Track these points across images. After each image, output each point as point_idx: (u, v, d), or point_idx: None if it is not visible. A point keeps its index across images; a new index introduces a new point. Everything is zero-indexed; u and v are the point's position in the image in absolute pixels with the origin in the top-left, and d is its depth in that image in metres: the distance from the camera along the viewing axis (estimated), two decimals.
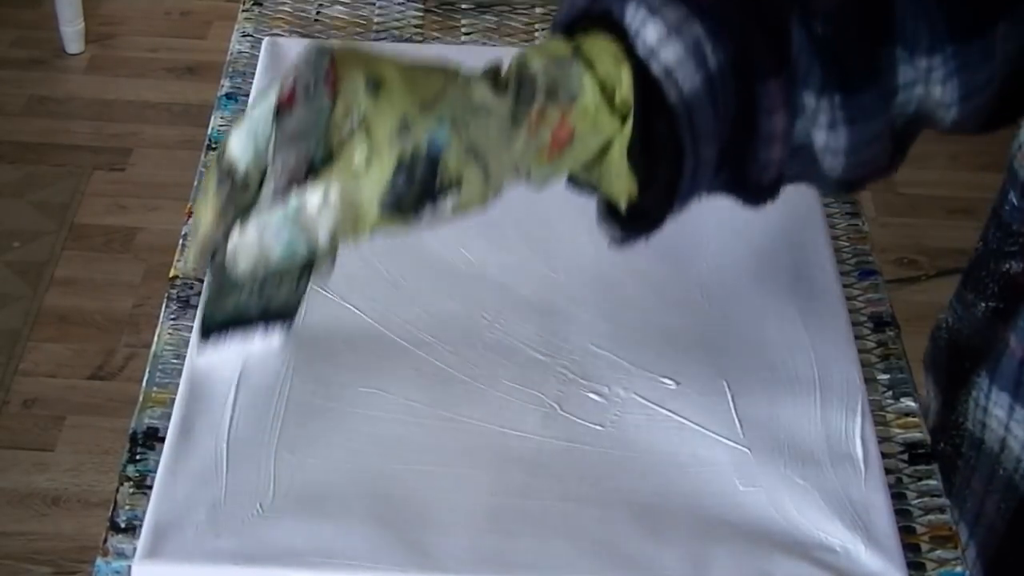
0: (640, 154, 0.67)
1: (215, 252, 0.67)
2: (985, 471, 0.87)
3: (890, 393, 0.83)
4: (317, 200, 0.63)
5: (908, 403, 0.82)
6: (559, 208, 0.92)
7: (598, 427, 0.78)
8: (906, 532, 0.74)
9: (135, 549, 0.70)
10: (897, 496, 0.76)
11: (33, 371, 1.96)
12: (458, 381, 0.80)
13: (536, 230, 0.91)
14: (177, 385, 0.79)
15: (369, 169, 0.63)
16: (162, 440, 0.76)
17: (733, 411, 0.79)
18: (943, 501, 0.77)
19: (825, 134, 0.70)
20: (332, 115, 0.64)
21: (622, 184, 0.68)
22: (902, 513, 0.75)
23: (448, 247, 0.89)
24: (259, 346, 0.79)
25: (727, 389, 0.80)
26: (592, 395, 0.80)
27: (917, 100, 0.72)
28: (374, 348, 0.82)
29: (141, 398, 0.80)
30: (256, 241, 0.64)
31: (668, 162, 0.67)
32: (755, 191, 0.73)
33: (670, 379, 0.81)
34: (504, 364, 0.81)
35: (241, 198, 0.66)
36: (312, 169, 0.64)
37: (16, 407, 1.91)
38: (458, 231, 0.90)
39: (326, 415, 0.78)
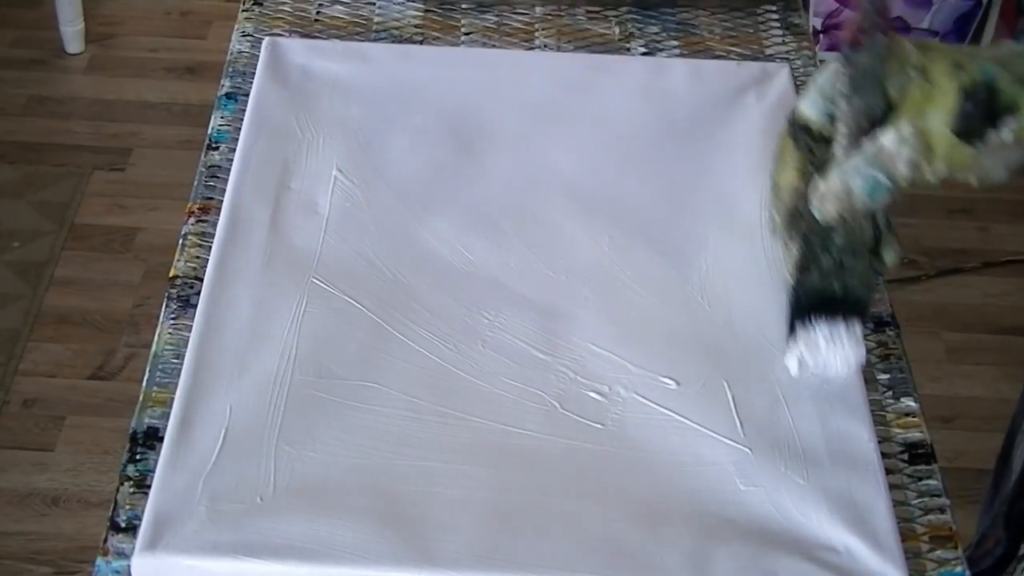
0: None
1: (800, 214, 0.77)
2: None
3: (890, 393, 0.83)
4: (892, 137, 0.72)
5: (908, 403, 0.82)
6: (559, 208, 0.93)
7: (598, 426, 0.78)
8: (906, 532, 0.74)
9: (135, 549, 0.70)
10: (897, 496, 0.76)
11: (33, 371, 1.95)
12: (459, 378, 0.80)
13: (536, 230, 0.91)
14: (177, 385, 0.79)
15: (934, 103, 0.72)
16: (162, 440, 0.76)
17: (733, 411, 0.79)
18: (943, 501, 0.77)
19: None
20: (886, 68, 0.73)
21: None
22: (902, 513, 0.75)
23: (448, 247, 0.89)
24: (843, 347, 0.78)
25: (727, 389, 0.80)
26: (592, 394, 0.80)
27: None
28: (375, 344, 0.82)
29: (141, 398, 0.80)
30: (841, 184, 0.73)
31: None
32: None
33: (670, 379, 0.81)
34: (505, 362, 0.81)
35: (819, 153, 0.77)
36: (876, 122, 0.73)
37: (16, 407, 1.90)
38: (458, 231, 0.90)
39: (326, 409, 0.78)
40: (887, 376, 0.84)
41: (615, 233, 0.90)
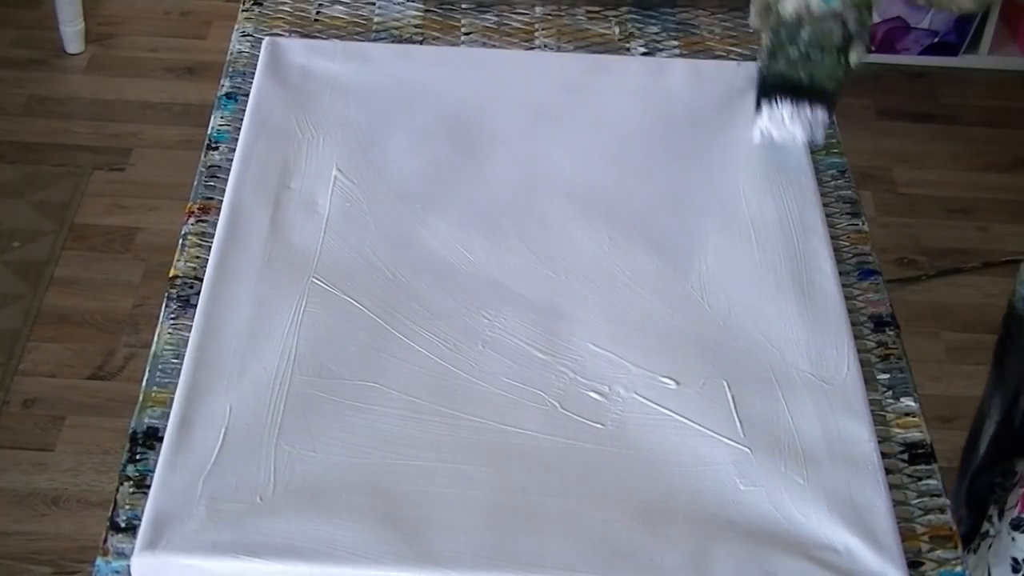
0: None
1: (770, 8, 0.85)
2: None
3: (890, 393, 0.83)
4: None
5: (908, 403, 0.82)
6: (559, 208, 0.93)
7: (598, 425, 0.78)
8: (906, 532, 0.74)
9: (135, 549, 0.70)
10: (897, 496, 0.76)
11: (33, 371, 1.95)
12: (459, 378, 0.80)
13: (536, 230, 0.91)
14: (177, 385, 0.79)
15: None
16: (162, 440, 0.76)
17: (733, 411, 0.79)
18: (943, 501, 0.77)
19: None
20: None
21: None
22: (902, 513, 0.75)
23: (448, 247, 0.89)
24: (805, 125, 0.92)
25: (727, 389, 0.80)
26: (592, 394, 0.80)
27: None
28: (375, 344, 0.82)
29: (141, 398, 0.80)
30: None
31: None
32: None
33: (670, 378, 0.81)
34: (505, 362, 0.81)
35: None
36: None
37: (16, 407, 1.90)
38: (458, 231, 0.90)
39: (326, 409, 0.78)
40: (887, 376, 0.84)
41: (615, 233, 0.90)
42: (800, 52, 0.88)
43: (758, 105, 0.92)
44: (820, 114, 0.91)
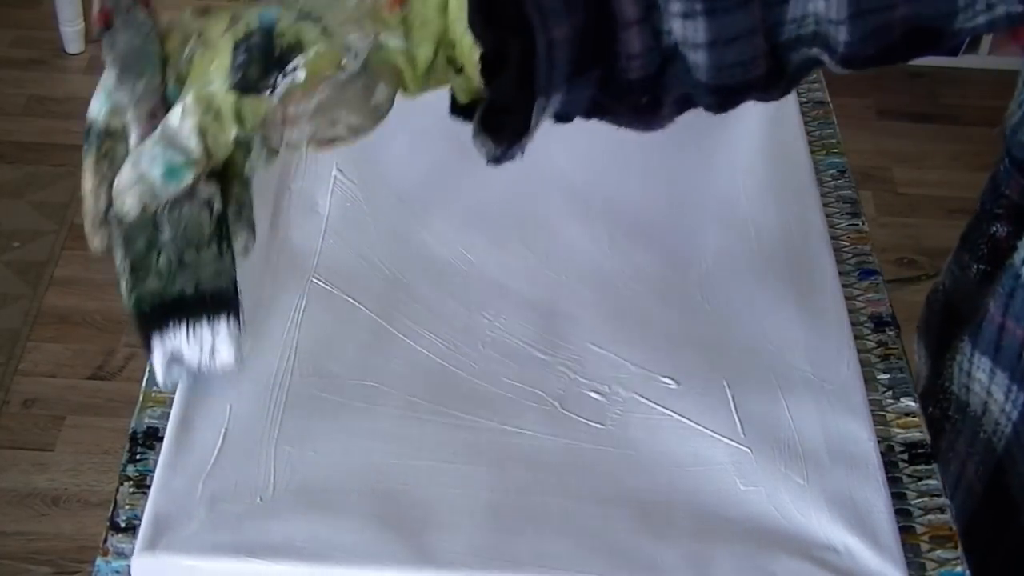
0: (481, 20, 0.62)
1: (106, 215, 0.65)
2: (968, 434, 0.88)
3: (890, 393, 0.83)
4: (176, 111, 0.63)
5: (908, 403, 0.82)
6: (559, 208, 0.93)
7: (598, 426, 0.78)
8: (906, 532, 0.74)
9: (135, 550, 0.70)
10: (897, 496, 0.76)
11: (33, 371, 1.95)
12: (459, 378, 0.80)
13: (536, 230, 0.91)
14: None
15: (212, 64, 0.63)
16: (162, 439, 0.76)
17: (733, 411, 0.79)
18: (943, 501, 0.77)
19: (681, 24, 0.64)
20: (165, 46, 0.64)
21: (472, 65, 0.64)
22: (902, 513, 0.75)
23: (448, 247, 0.89)
24: (212, 349, 0.67)
25: (727, 389, 0.80)
26: (592, 394, 0.80)
27: (804, 14, 0.66)
28: (375, 344, 0.82)
29: (141, 398, 0.80)
30: (135, 173, 0.63)
31: (515, 33, 0.63)
32: (627, 93, 0.68)
33: (670, 379, 0.81)
34: (504, 362, 0.81)
35: (113, 149, 0.65)
36: (168, 104, 0.64)
37: (16, 407, 1.91)
38: (458, 231, 0.90)
39: (326, 409, 0.78)
40: (887, 376, 0.84)
41: (615, 233, 0.90)
42: (169, 259, 0.67)
43: (147, 347, 0.69)
44: (224, 327, 0.67)
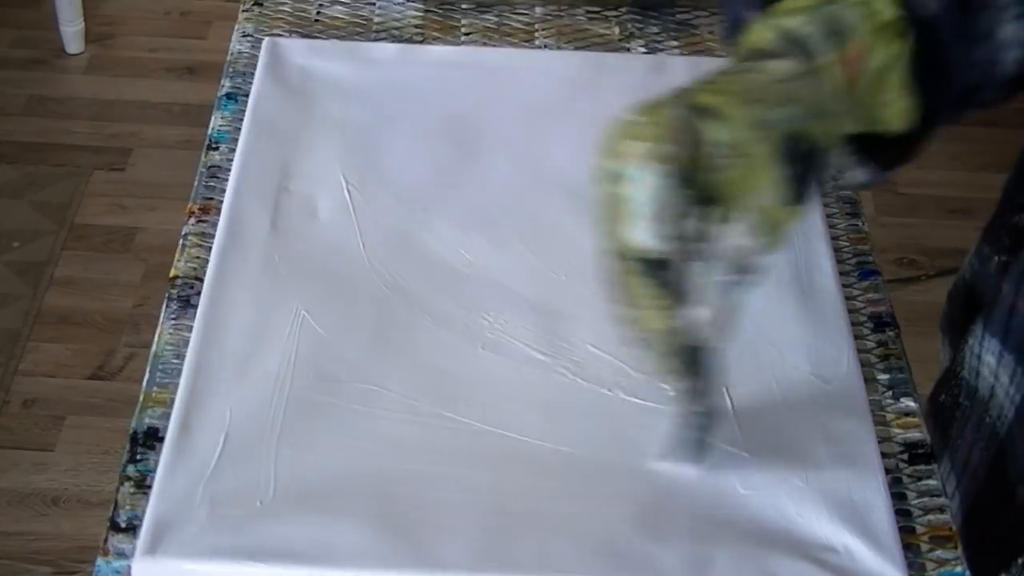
0: (923, 67, 0.67)
1: (676, 351, 0.67)
2: (975, 420, 0.88)
3: (890, 393, 0.83)
4: (740, 232, 0.65)
5: (908, 403, 0.82)
6: (559, 208, 0.92)
7: (598, 426, 0.78)
8: (906, 532, 0.74)
9: (135, 549, 0.70)
10: (897, 496, 0.76)
11: (33, 371, 1.95)
12: (459, 381, 0.80)
13: (536, 230, 0.91)
14: (177, 385, 0.79)
15: (757, 179, 0.65)
16: (162, 440, 0.76)
17: (733, 411, 0.79)
18: (943, 501, 0.77)
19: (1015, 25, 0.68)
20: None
21: (900, 105, 0.69)
22: (902, 513, 0.75)
23: (448, 247, 0.89)
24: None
25: (727, 390, 0.80)
26: (592, 395, 0.80)
27: None
28: (375, 346, 0.82)
29: (141, 398, 0.80)
30: (720, 304, 0.66)
31: (944, 74, 0.68)
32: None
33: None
34: (505, 364, 0.81)
35: (660, 279, 0.66)
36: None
37: (16, 407, 1.91)
38: (458, 231, 0.90)
39: (327, 412, 0.78)
40: (887, 376, 0.84)
41: None
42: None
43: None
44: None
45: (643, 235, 0.65)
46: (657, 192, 0.64)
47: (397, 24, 1.11)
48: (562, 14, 1.13)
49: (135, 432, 0.78)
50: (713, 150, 0.64)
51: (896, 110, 0.69)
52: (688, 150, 0.64)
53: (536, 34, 1.11)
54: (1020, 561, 0.84)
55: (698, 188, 0.64)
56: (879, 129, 0.71)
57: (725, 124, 0.65)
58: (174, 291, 0.86)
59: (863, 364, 0.83)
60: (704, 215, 0.65)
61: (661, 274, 0.66)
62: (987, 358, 0.85)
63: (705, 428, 0.74)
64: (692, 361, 0.69)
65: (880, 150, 0.72)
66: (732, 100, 0.66)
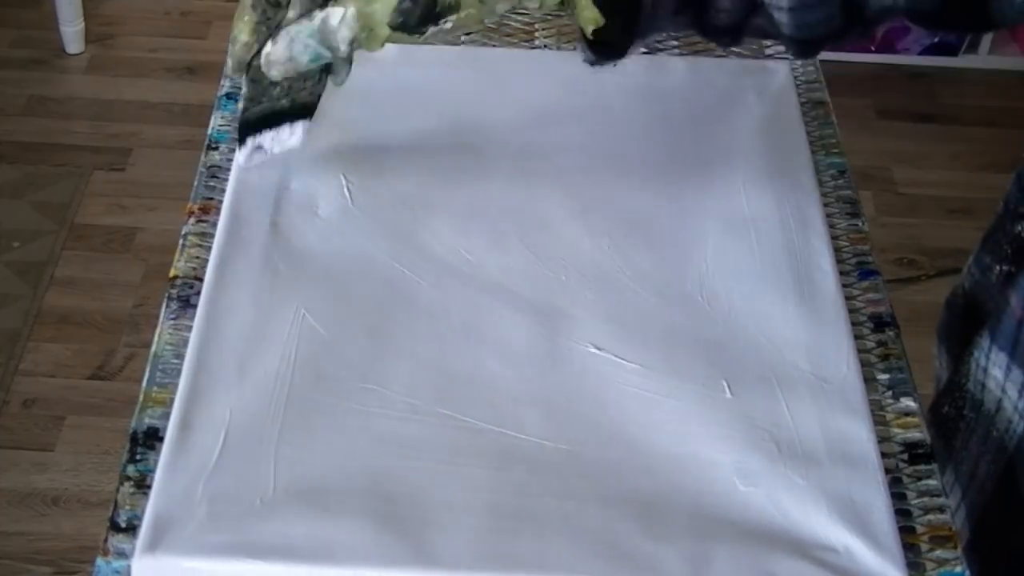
0: None
1: (251, 63, 0.83)
2: (981, 432, 0.88)
3: (890, 393, 0.83)
4: (337, 17, 0.79)
5: (908, 403, 0.82)
6: (559, 208, 0.93)
7: (598, 426, 0.78)
8: (906, 532, 0.74)
9: (135, 549, 0.70)
10: (897, 496, 0.76)
11: (33, 371, 1.95)
12: (459, 379, 0.80)
13: (536, 230, 0.91)
14: (177, 385, 0.79)
15: None
16: (162, 440, 0.76)
17: (733, 411, 0.79)
18: (943, 501, 0.77)
19: None
20: None
21: (589, 14, 0.81)
22: (902, 513, 0.75)
23: (448, 247, 0.89)
24: (287, 139, 0.91)
25: (727, 389, 0.80)
26: (593, 394, 0.80)
27: None
28: (375, 345, 0.82)
29: (141, 398, 0.80)
30: (286, 52, 0.80)
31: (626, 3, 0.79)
32: (714, 34, 0.83)
33: (670, 379, 0.81)
34: (505, 363, 0.81)
35: (272, 17, 0.81)
36: None
37: (16, 407, 1.91)
38: (458, 231, 0.90)
39: (327, 410, 0.78)
40: (887, 376, 0.84)
41: (615, 233, 0.90)
42: (282, 88, 0.87)
43: (241, 141, 0.90)
44: (300, 125, 0.91)
45: None
46: None
47: None
48: (562, 14, 1.13)
49: (135, 432, 0.78)
50: None
51: (585, 18, 0.81)
52: None
53: (536, 34, 1.11)
54: None
55: None
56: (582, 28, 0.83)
57: None
58: (174, 291, 0.86)
59: (863, 364, 0.83)
60: None
61: (266, 5, 0.81)
62: (994, 371, 0.85)
63: (251, 118, 0.89)
64: (248, 78, 0.85)
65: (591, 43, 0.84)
66: None
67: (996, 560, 0.85)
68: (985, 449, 0.87)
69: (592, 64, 0.86)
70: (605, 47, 0.84)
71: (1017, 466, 0.84)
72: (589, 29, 0.82)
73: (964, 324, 0.93)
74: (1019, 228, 0.86)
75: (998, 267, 0.88)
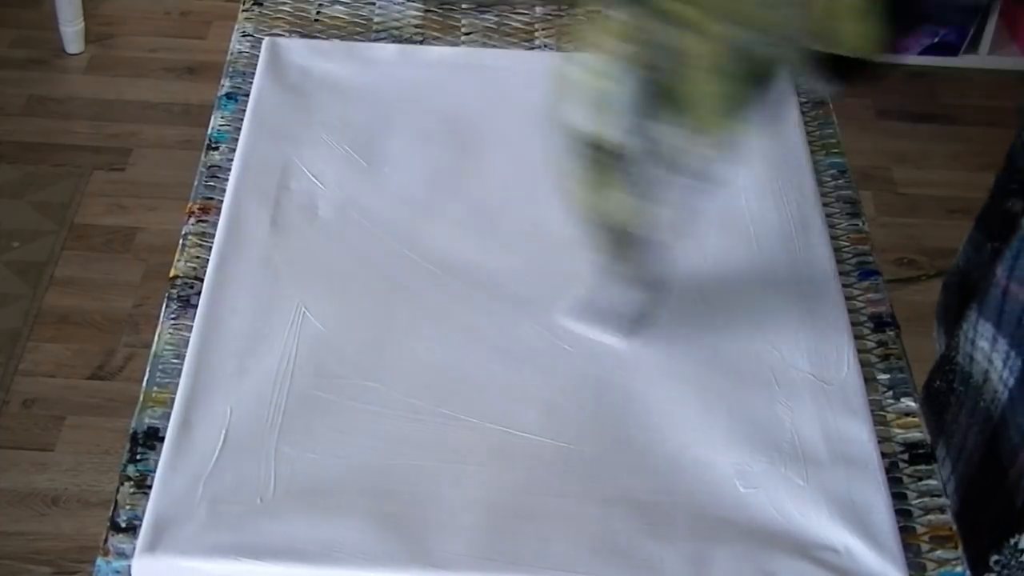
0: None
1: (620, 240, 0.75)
2: (970, 404, 0.88)
3: (890, 393, 0.83)
4: (683, 137, 0.71)
5: (908, 403, 0.82)
6: (559, 208, 0.92)
7: (599, 426, 0.78)
8: (906, 532, 0.74)
9: (135, 549, 0.70)
10: (897, 496, 0.76)
11: (33, 371, 1.95)
12: (459, 379, 0.80)
13: (536, 231, 0.91)
14: (177, 385, 0.79)
15: (708, 84, 0.69)
16: (162, 440, 0.76)
17: (733, 411, 0.79)
18: (943, 501, 0.77)
19: None
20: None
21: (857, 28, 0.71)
22: (902, 513, 0.75)
23: (448, 247, 0.89)
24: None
25: (727, 389, 0.80)
26: (593, 395, 0.80)
27: None
28: (375, 344, 0.82)
29: (141, 398, 0.80)
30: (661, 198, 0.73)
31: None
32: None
33: (670, 379, 0.81)
34: (505, 363, 0.81)
35: (608, 163, 0.73)
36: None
37: (16, 407, 1.90)
38: (458, 231, 0.90)
39: (327, 410, 0.78)
40: (887, 376, 0.84)
41: None
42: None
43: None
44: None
45: (591, 121, 0.72)
46: (610, 84, 0.70)
47: (397, 24, 1.11)
48: (562, 14, 1.13)
49: (135, 432, 0.78)
50: (674, 57, 0.69)
51: (854, 32, 0.71)
52: (650, 53, 0.69)
53: (536, 34, 1.11)
54: (1012, 541, 0.84)
55: (652, 88, 0.69)
56: (840, 51, 0.72)
57: (697, 37, 0.68)
58: (174, 291, 0.86)
59: (863, 364, 0.83)
60: (654, 114, 0.70)
61: (603, 157, 0.72)
62: (981, 343, 0.85)
63: (628, 306, 0.80)
64: (622, 243, 0.76)
65: (844, 68, 0.74)
66: (707, 16, 0.69)
67: (977, 522, 0.85)
68: (973, 421, 0.88)
69: (831, 95, 0.79)
70: (860, 68, 0.73)
71: (1000, 435, 0.85)
72: (852, 49, 0.71)
73: (959, 302, 0.94)
74: (1009, 203, 0.87)
75: (989, 244, 0.89)
